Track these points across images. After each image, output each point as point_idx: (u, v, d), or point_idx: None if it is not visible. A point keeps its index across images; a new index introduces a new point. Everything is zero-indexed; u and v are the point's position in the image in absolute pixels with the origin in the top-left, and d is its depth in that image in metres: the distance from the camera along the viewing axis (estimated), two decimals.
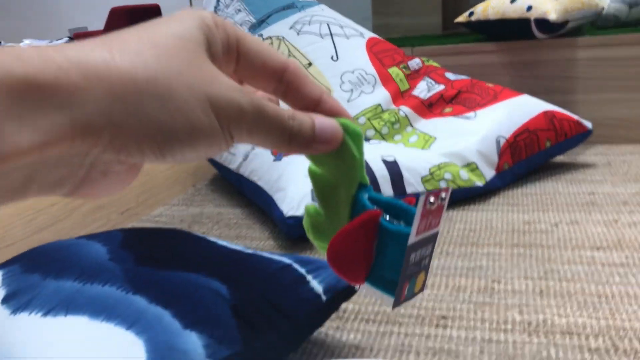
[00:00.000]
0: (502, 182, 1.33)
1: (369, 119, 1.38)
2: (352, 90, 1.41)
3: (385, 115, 1.39)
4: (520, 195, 1.31)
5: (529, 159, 1.36)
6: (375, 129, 1.37)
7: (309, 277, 0.71)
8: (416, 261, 0.32)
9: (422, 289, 0.34)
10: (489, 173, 1.31)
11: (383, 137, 1.37)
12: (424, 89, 1.45)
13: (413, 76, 1.50)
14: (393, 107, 1.42)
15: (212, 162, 1.50)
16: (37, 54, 0.27)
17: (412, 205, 0.32)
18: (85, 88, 0.27)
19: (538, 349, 0.72)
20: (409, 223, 0.30)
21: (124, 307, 0.63)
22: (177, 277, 0.68)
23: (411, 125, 1.40)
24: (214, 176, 1.69)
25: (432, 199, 0.31)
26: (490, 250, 1.03)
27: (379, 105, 1.40)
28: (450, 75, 1.51)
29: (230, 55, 0.34)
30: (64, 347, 0.58)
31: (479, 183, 1.28)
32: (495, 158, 1.31)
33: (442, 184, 1.23)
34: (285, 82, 0.36)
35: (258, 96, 0.33)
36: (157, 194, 1.55)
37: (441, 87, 1.46)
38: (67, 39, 3.14)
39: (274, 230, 1.21)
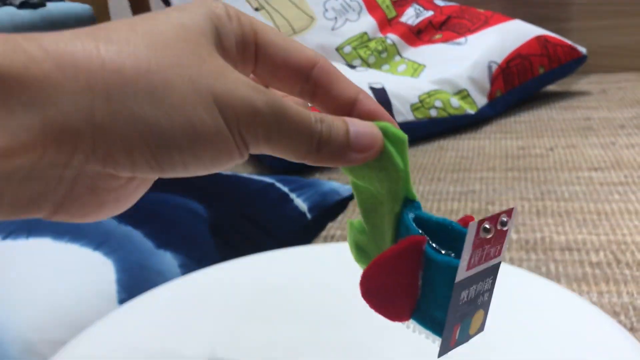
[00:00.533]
0: (494, 110, 1.28)
1: (354, 48, 1.32)
2: (336, 18, 1.34)
3: (372, 44, 1.33)
4: (513, 122, 1.26)
5: (522, 86, 1.31)
6: (361, 58, 1.31)
7: (293, 196, 0.66)
8: (471, 299, 0.25)
9: (480, 329, 0.26)
10: (481, 100, 1.25)
11: (370, 67, 1.30)
12: (412, 16, 1.38)
13: (400, 3, 1.42)
14: (380, 35, 1.35)
15: None
16: (3, 40, 0.21)
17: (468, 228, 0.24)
18: (60, 81, 0.22)
19: (537, 264, 0.69)
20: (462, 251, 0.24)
21: (91, 228, 0.58)
22: (150, 197, 0.63)
23: (399, 54, 1.34)
24: None
25: (487, 225, 0.23)
26: (483, 175, 0.99)
27: (365, 33, 1.34)
28: (439, 2, 1.44)
29: (247, 53, 0.28)
30: (26, 268, 0.53)
31: (471, 111, 1.23)
32: (487, 85, 1.26)
33: (433, 113, 1.18)
34: (313, 80, 0.29)
35: (277, 94, 0.27)
36: None
37: (430, 13, 1.39)
38: None
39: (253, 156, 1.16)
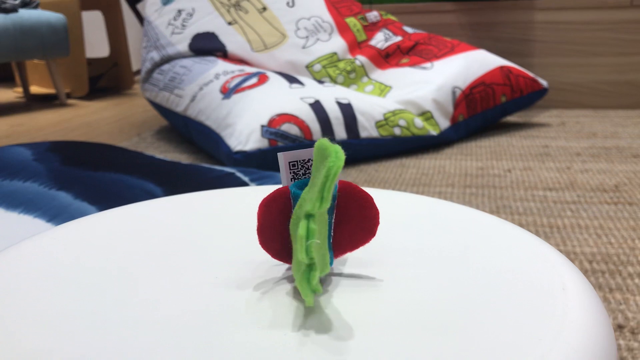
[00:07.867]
0: (456, 134, 1.31)
1: (324, 67, 1.34)
2: (307, 37, 1.37)
3: (342, 64, 1.35)
4: (473, 146, 1.29)
5: (484, 113, 1.35)
6: (330, 77, 1.33)
7: (253, 185, 0.67)
8: None
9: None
10: (444, 123, 1.29)
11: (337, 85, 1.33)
12: (381, 40, 1.42)
13: (370, 28, 1.46)
14: (349, 56, 1.38)
15: (157, 107, 1.43)
16: None
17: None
18: None
19: None
20: None
21: (46, 202, 0.57)
22: (107, 177, 0.63)
23: (367, 75, 1.37)
24: (160, 127, 1.62)
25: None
26: (442, 190, 1.01)
27: (335, 53, 1.37)
28: (408, 29, 1.48)
29: None
30: None
31: (433, 132, 1.26)
32: (451, 108, 1.29)
33: (397, 131, 1.20)
34: None
35: None
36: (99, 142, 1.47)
37: (398, 38, 1.43)
38: None
39: None
